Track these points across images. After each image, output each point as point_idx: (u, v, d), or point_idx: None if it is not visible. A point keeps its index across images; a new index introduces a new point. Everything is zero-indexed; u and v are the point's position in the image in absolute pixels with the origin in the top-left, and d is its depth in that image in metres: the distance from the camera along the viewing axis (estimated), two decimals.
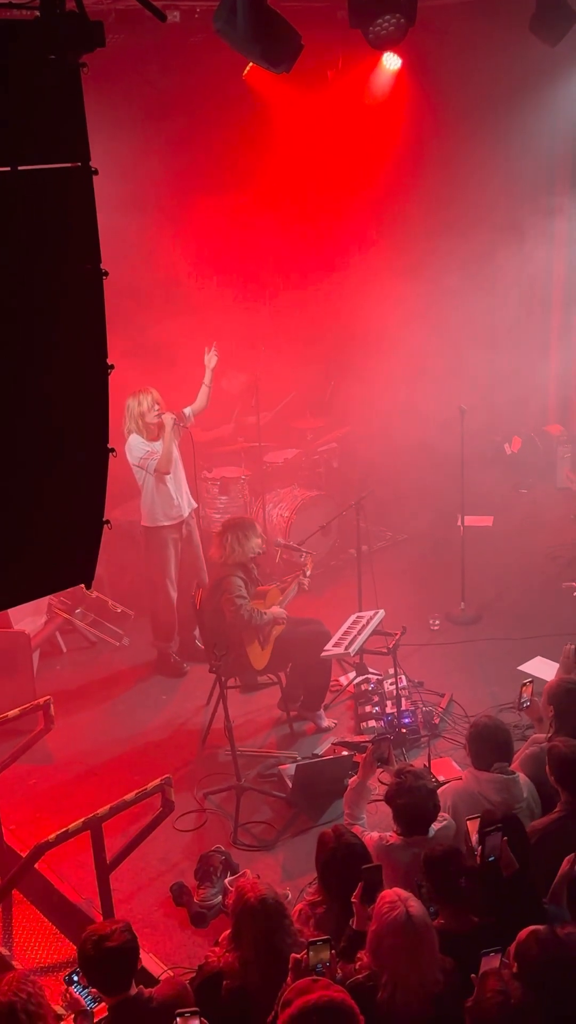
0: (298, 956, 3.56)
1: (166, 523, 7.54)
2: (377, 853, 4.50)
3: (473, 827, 4.26)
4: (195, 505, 7.85)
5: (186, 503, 7.66)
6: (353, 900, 4.03)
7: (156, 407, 7.36)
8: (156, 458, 7.33)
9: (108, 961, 3.74)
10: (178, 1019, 3.42)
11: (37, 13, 2.77)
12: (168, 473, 7.41)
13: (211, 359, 7.71)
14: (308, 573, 7.10)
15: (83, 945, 3.80)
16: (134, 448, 7.35)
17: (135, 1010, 3.75)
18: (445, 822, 4.75)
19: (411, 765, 5.03)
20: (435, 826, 4.69)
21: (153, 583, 7.75)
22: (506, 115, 10.04)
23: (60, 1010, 4.26)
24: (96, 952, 3.74)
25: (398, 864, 4.53)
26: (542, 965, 3.48)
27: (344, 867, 4.21)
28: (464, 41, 9.44)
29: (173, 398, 7.69)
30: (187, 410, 7.69)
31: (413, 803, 4.57)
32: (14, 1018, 3.43)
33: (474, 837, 4.25)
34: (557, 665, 6.46)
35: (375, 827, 5.31)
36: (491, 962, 3.53)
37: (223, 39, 5.74)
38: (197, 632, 7.57)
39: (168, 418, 7.35)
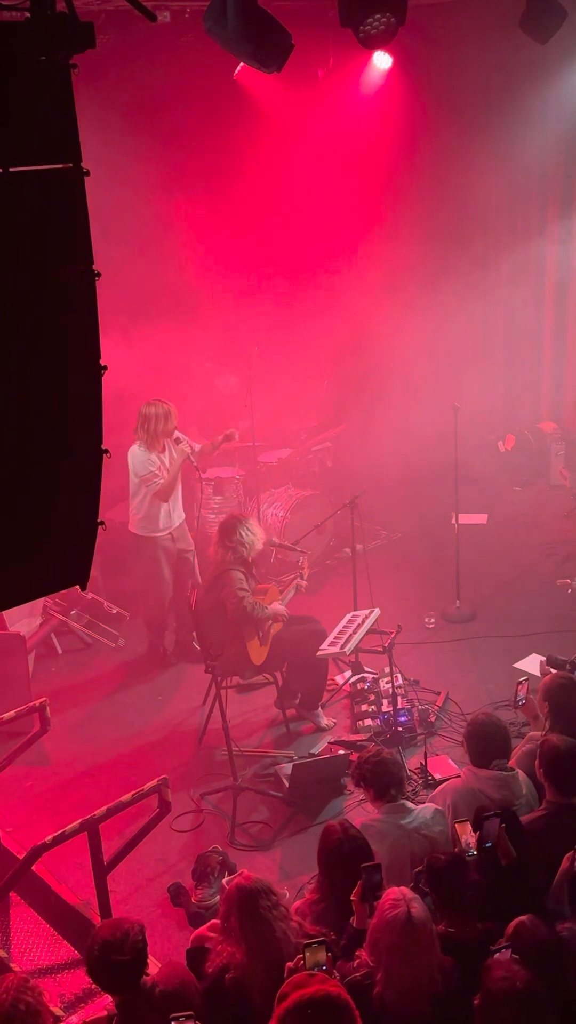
0: (291, 965, 3.55)
1: (156, 534, 7.56)
2: (364, 834, 4.55)
3: (461, 830, 4.28)
4: (183, 516, 7.84)
5: (177, 516, 7.68)
6: (353, 898, 4.04)
7: (175, 431, 7.42)
8: (158, 483, 7.34)
9: (116, 969, 3.72)
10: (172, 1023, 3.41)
11: (27, 14, 2.77)
12: (167, 502, 7.44)
13: (229, 437, 7.78)
14: (305, 576, 7.10)
15: (91, 950, 3.74)
16: (138, 463, 7.35)
17: (140, 1002, 3.75)
18: (428, 807, 4.84)
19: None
20: (414, 807, 4.80)
21: (145, 584, 7.76)
22: (497, 113, 10.06)
23: (58, 1011, 4.26)
24: (104, 962, 3.71)
25: (383, 837, 4.62)
26: (533, 952, 3.50)
27: (348, 861, 4.22)
28: (455, 39, 9.45)
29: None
30: (196, 446, 7.71)
31: (379, 769, 4.78)
32: None
33: (463, 839, 4.27)
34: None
35: None
36: (490, 960, 3.55)
37: (213, 39, 5.74)
38: (195, 633, 7.57)
39: (182, 451, 7.37)
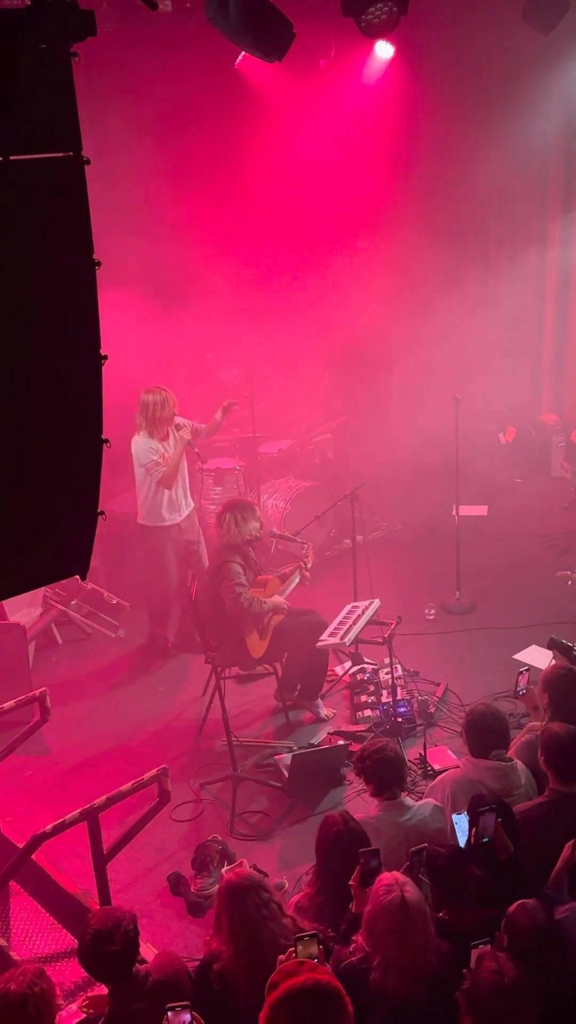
0: (284, 958, 3.54)
1: (163, 523, 7.56)
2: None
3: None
4: (192, 505, 7.84)
5: (185, 504, 7.67)
6: (351, 883, 4.05)
7: (175, 417, 7.41)
8: (161, 470, 7.34)
9: (108, 959, 3.75)
10: (169, 1013, 3.40)
11: (28, 2, 2.76)
12: (171, 489, 7.43)
13: (228, 409, 7.76)
14: (309, 564, 7.09)
15: (83, 940, 3.79)
16: (141, 452, 7.34)
17: (133, 991, 3.78)
18: (427, 803, 4.84)
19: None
20: (413, 802, 4.80)
21: (149, 574, 7.75)
22: (499, 103, 10.02)
23: (59, 1001, 4.28)
24: (94, 951, 3.75)
25: (380, 834, 4.61)
26: (530, 936, 3.52)
27: (347, 853, 4.21)
28: (457, 29, 9.42)
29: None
30: (201, 427, 7.69)
31: (381, 766, 4.75)
32: (25, 1013, 3.46)
33: (459, 832, 4.26)
34: (551, 653, 6.47)
35: None
36: (481, 952, 3.56)
37: (215, 28, 5.73)
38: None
39: (184, 436, 7.37)
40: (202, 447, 8.05)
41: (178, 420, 7.48)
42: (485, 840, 4.16)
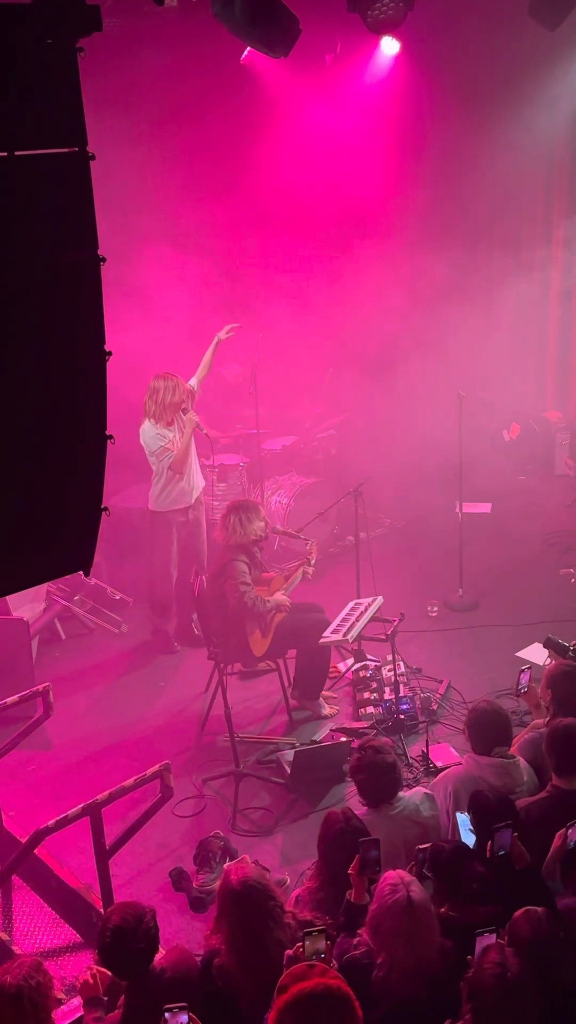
0: (291, 953, 3.54)
1: (173, 508, 7.57)
2: None
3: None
4: (203, 484, 7.86)
5: (195, 488, 7.68)
6: (350, 872, 4.05)
7: (185, 403, 7.41)
8: (172, 455, 7.35)
9: (130, 956, 3.75)
10: (166, 1015, 3.41)
11: None
12: (182, 474, 7.43)
13: (224, 334, 7.76)
14: (312, 561, 7.09)
15: (104, 935, 3.78)
16: (149, 438, 7.35)
17: (149, 986, 3.78)
18: (417, 792, 4.85)
19: (374, 740, 5.05)
20: (403, 794, 4.81)
21: (153, 563, 7.76)
22: (504, 100, 10.00)
23: (59, 995, 4.29)
24: (117, 949, 3.75)
25: (374, 831, 4.56)
26: (532, 944, 3.51)
27: (349, 849, 4.20)
28: (463, 25, 9.40)
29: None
30: (192, 382, 7.69)
31: (373, 777, 4.73)
32: (19, 1005, 3.46)
33: (463, 831, 4.24)
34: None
35: None
36: (486, 941, 3.55)
37: (221, 24, 5.73)
38: (195, 617, 7.58)
39: (191, 419, 7.37)
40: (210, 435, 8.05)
41: (189, 415, 7.47)
42: (502, 853, 4.15)
